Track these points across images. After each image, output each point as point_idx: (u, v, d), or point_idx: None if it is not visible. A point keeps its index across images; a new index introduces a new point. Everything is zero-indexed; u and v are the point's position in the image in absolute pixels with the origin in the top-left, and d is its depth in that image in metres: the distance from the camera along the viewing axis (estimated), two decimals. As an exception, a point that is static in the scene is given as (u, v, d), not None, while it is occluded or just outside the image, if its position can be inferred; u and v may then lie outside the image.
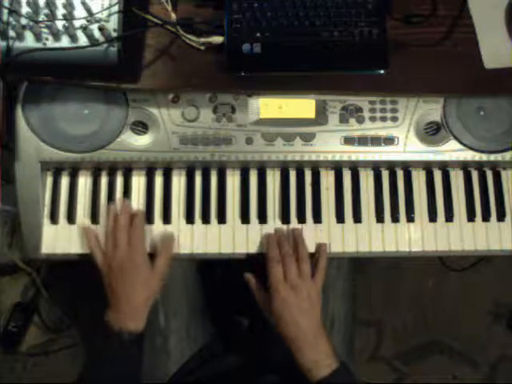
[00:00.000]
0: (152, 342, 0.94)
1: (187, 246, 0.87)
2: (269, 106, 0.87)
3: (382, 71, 0.82)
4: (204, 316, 1.00)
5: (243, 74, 0.81)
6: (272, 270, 0.81)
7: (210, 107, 0.86)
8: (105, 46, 0.75)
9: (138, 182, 0.89)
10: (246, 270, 0.87)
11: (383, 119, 0.87)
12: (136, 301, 0.79)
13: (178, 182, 0.89)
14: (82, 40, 0.75)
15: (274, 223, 0.88)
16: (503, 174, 0.91)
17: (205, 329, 0.99)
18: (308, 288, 0.80)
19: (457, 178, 0.91)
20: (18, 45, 0.73)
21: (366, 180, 0.90)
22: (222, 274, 1.09)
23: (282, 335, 0.79)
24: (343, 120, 0.87)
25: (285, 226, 0.88)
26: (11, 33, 0.73)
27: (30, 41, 0.74)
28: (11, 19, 0.73)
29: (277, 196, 0.89)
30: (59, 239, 0.86)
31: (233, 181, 0.89)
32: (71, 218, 0.87)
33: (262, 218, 0.88)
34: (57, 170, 0.88)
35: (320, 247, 0.87)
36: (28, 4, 0.74)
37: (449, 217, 0.89)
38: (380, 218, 0.89)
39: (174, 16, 0.80)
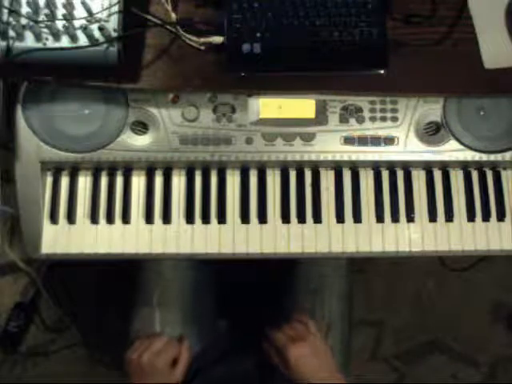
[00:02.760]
0: None
1: (187, 246, 0.87)
2: (269, 106, 0.87)
3: (382, 71, 0.82)
4: (198, 324, 0.99)
5: (243, 74, 0.81)
6: (278, 337, 0.88)
7: (209, 107, 0.86)
8: (105, 46, 0.75)
9: (138, 181, 0.89)
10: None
11: (383, 119, 0.87)
12: None
13: (178, 181, 0.89)
14: (82, 40, 0.75)
15: (274, 223, 0.88)
16: (503, 174, 0.91)
17: (199, 337, 0.98)
18: (313, 335, 0.89)
19: (457, 178, 0.91)
20: (17, 45, 0.73)
21: (366, 180, 0.90)
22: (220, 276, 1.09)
23: None
24: (343, 120, 0.87)
25: (285, 226, 0.88)
26: (11, 33, 0.73)
27: (30, 41, 0.74)
28: (11, 19, 0.73)
29: (277, 196, 0.89)
30: (59, 239, 0.86)
31: (233, 181, 0.89)
32: (71, 218, 0.87)
33: (262, 217, 0.88)
34: (57, 170, 0.88)
35: (302, 317, 0.93)
36: (28, 4, 0.74)
37: (449, 217, 0.89)
38: (380, 218, 0.89)
39: (173, 16, 0.80)
